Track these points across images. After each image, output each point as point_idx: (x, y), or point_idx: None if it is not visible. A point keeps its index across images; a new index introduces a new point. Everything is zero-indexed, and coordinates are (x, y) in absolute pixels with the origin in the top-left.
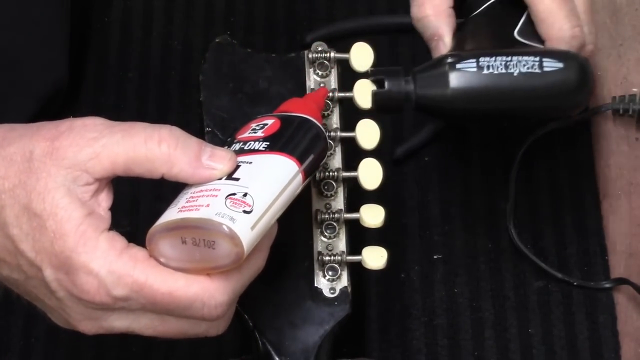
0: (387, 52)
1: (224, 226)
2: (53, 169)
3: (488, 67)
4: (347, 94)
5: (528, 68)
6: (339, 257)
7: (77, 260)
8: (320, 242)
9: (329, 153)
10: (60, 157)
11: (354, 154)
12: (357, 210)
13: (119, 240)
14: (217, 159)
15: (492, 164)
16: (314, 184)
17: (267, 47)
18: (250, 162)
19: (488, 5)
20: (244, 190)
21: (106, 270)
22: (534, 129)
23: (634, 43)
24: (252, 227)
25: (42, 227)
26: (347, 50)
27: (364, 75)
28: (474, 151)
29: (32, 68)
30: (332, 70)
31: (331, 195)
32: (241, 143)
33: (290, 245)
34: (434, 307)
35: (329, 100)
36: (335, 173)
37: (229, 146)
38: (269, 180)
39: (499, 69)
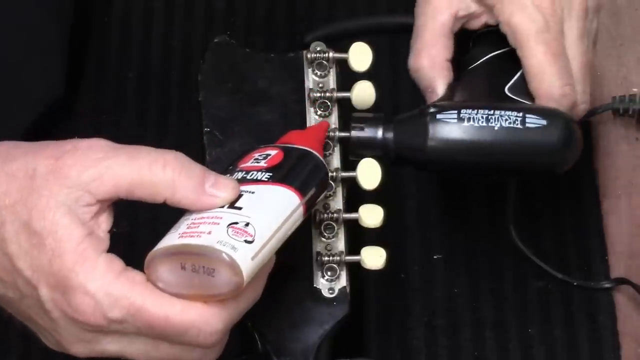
0: (387, 52)
1: (225, 254)
2: (55, 187)
3: (469, 119)
4: (346, 94)
5: (510, 123)
6: (338, 258)
7: (74, 280)
8: (319, 242)
9: (329, 152)
10: (63, 176)
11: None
12: (356, 210)
13: (117, 263)
14: (221, 187)
15: None
16: None
17: (266, 47)
18: (253, 192)
19: (485, 60)
20: (246, 219)
21: (103, 291)
22: None
23: (634, 43)
24: (253, 258)
25: (41, 245)
26: (346, 50)
27: (363, 76)
28: None
29: (29, 75)
30: (331, 70)
31: (330, 196)
32: (243, 172)
33: (289, 246)
34: (434, 307)
35: (328, 99)
36: (334, 173)
37: (231, 174)
38: (271, 211)
39: (480, 121)
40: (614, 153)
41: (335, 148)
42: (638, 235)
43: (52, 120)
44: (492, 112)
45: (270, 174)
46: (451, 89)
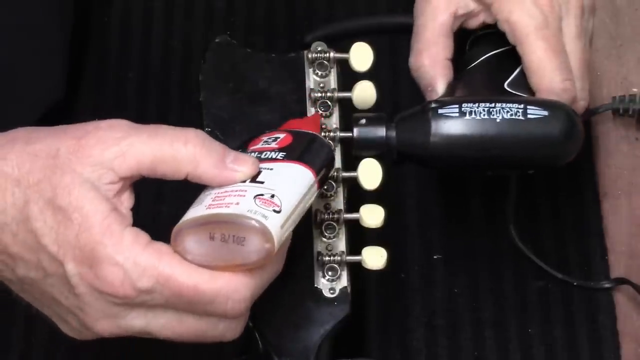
0: (387, 52)
1: (257, 222)
2: (79, 166)
3: (470, 112)
4: (347, 94)
5: (511, 115)
6: (339, 258)
7: (102, 253)
8: (320, 242)
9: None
10: (86, 155)
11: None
12: (357, 210)
13: (143, 236)
14: (241, 162)
15: None
16: None
17: (267, 47)
18: (271, 169)
19: (484, 59)
20: (271, 192)
21: (131, 262)
22: None
23: (634, 43)
24: (282, 226)
25: (67, 221)
26: (347, 50)
27: (364, 76)
28: None
29: (30, 76)
30: (332, 70)
31: (331, 196)
32: (257, 153)
33: (290, 246)
34: (434, 307)
35: (329, 99)
36: (335, 173)
37: None
38: (291, 185)
39: (482, 114)
40: (614, 153)
41: (337, 148)
42: (638, 235)
43: (52, 120)
44: (493, 104)
45: (284, 153)
46: (451, 87)
